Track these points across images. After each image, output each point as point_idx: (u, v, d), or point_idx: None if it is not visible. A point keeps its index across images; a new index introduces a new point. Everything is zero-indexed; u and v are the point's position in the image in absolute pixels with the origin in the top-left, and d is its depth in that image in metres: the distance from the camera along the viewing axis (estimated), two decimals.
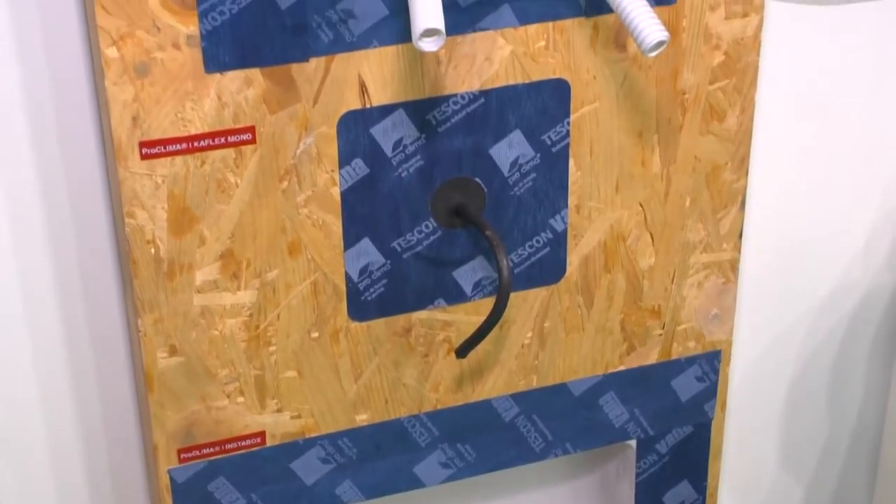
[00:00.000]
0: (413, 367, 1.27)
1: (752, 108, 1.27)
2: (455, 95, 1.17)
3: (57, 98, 1.17)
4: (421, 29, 1.00)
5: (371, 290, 1.22)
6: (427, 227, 1.22)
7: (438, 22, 1.01)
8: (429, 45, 1.02)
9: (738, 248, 1.34)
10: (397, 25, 1.12)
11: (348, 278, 1.21)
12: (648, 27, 1.04)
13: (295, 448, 1.26)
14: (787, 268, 1.52)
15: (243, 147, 1.13)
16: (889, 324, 1.60)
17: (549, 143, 1.22)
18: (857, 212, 1.52)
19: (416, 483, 1.33)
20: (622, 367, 1.35)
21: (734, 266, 1.34)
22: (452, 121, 1.18)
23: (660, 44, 1.04)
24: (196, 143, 1.11)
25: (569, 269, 1.28)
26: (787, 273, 1.52)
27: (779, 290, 1.53)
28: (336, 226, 1.18)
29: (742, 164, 1.29)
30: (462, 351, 1.24)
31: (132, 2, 1.05)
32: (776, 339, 1.56)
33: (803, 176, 1.47)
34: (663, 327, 1.35)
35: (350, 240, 1.19)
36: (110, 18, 1.05)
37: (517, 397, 1.33)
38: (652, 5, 1.18)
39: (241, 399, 1.22)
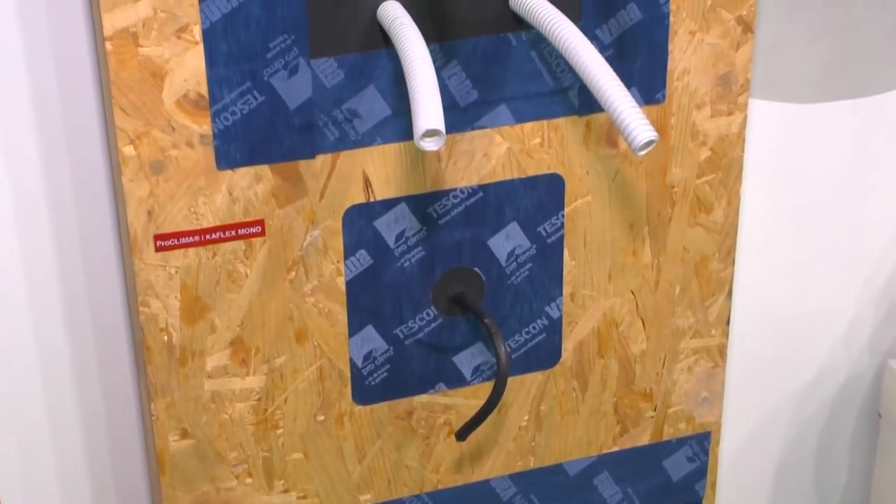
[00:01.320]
0: (415, 448, 1.28)
1: (737, 201, 1.29)
2: (455, 190, 1.19)
3: (76, 193, 1.19)
4: (422, 130, 1.00)
5: (374, 375, 1.24)
6: (428, 314, 1.23)
7: (439, 123, 1.01)
8: (429, 145, 1.02)
9: (725, 334, 1.35)
10: (399, 124, 1.15)
11: (353, 364, 1.22)
12: (638, 127, 1.04)
13: None
14: (772, 352, 1.52)
15: (253, 239, 1.15)
16: (871, 405, 1.60)
17: (544, 234, 1.24)
18: (838, 299, 1.52)
19: None
20: (615, 448, 1.36)
21: (722, 351, 1.36)
22: (452, 214, 1.20)
23: (649, 143, 1.04)
24: (208, 236, 1.13)
25: (564, 354, 1.29)
26: (772, 357, 1.53)
27: (765, 373, 1.53)
28: (341, 314, 1.20)
29: (729, 254, 1.31)
30: (462, 433, 1.24)
31: (148, 103, 1.07)
32: (763, 420, 1.56)
33: (787, 265, 1.48)
34: (655, 410, 1.36)
35: (354, 327, 1.21)
36: (128, 119, 1.07)
37: (515, 478, 1.33)
38: (642, 104, 1.20)
39: (249, 480, 1.23)
